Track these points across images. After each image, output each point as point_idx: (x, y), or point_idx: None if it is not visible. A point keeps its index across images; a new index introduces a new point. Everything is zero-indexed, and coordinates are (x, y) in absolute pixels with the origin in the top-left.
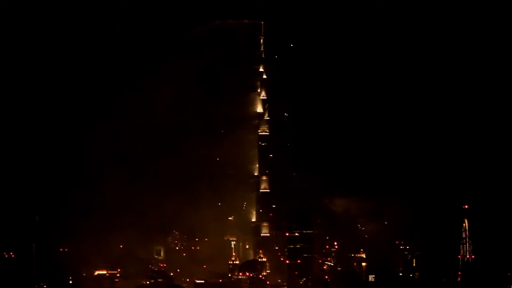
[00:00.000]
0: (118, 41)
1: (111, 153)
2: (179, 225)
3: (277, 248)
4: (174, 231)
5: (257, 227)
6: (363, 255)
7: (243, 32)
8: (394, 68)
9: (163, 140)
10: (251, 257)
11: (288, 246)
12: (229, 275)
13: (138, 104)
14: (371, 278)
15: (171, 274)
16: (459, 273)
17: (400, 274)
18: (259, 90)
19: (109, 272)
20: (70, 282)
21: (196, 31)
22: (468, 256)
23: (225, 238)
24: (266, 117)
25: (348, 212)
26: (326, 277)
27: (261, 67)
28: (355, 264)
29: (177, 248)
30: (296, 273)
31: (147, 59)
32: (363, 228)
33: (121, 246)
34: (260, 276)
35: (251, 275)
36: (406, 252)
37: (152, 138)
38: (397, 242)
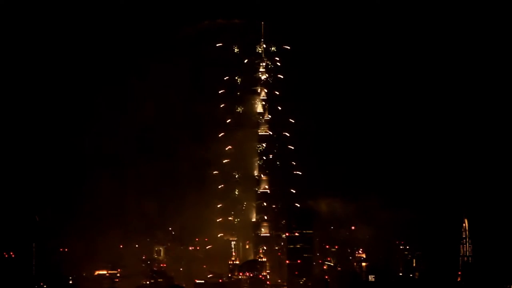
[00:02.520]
0: (107, 43)
1: (109, 154)
2: (179, 225)
3: (277, 248)
4: (173, 232)
5: (257, 227)
6: (363, 255)
7: (237, 32)
8: (392, 70)
9: (163, 141)
10: (251, 257)
11: (288, 246)
12: (229, 275)
13: (127, 105)
14: (371, 278)
15: (171, 274)
16: (459, 273)
17: (400, 274)
18: (259, 90)
19: (109, 272)
20: (70, 282)
21: (189, 31)
22: (468, 256)
23: (225, 238)
24: (266, 117)
25: (348, 212)
26: (326, 277)
27: (261, 67)
28: (355, 264)
29: (176, 248)
30: (296, 273)
31: (136, 60)
32: (363, 229)
33: (121, 246)
34: (260, 276)
35: (251, 275)
36: (406, 252)
37: (153, 139)
38: (397, 242)
